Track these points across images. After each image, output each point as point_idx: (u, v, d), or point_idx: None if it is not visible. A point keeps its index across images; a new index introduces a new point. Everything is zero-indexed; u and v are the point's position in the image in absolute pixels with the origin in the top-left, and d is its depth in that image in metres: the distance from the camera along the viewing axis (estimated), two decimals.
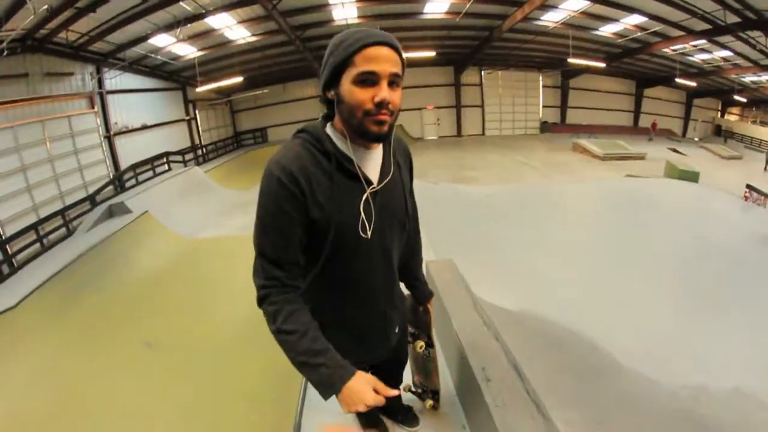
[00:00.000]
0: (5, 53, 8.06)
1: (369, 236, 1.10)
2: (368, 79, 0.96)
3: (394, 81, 0.99)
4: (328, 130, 1.09)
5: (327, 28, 13.58)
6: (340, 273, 1.15)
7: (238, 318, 5.00)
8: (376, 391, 1.00)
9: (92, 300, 5.72)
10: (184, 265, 6.99)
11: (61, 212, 8.82)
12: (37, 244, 7.87)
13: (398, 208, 1.21)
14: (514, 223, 5.75)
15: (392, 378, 1.73)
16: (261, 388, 3.81)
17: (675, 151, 17.18)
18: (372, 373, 1.06)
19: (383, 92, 0.96)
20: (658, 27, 13.30)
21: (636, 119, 23.53)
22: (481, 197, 6.61)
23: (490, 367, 1.69)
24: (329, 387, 0.98)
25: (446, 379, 2.20)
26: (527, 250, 5.23)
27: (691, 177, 9.56)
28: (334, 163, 1.05)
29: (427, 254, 4.00)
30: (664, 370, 3.39)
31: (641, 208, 6.06)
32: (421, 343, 1.70)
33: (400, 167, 1.23)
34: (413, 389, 1.98)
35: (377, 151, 1.14)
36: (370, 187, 1.10)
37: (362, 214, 1.08)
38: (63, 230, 8.61)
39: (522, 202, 6.33)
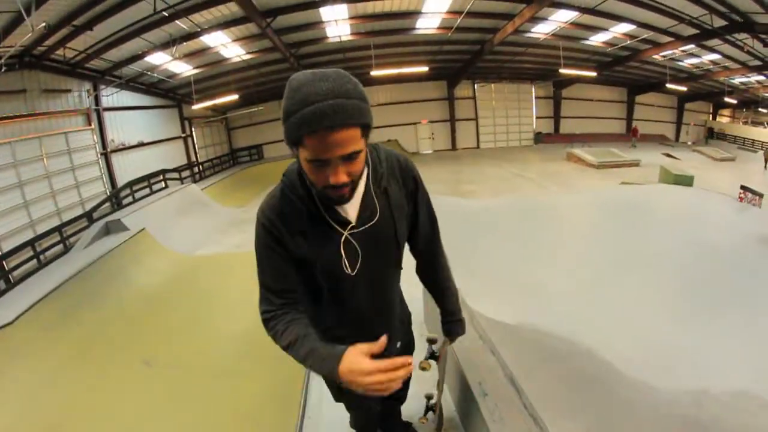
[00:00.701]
0: (3, 69, 8.10)
1: (354, 273, 1.14)
2: (320, 162, 0.92)
3: (350, 156, 0.93)
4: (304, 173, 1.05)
5: (321, 45, 13.78)
6: (334, 300, 1.21)
7: (236, 334, 5.01)
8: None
9: (90, 317, 5.69)
10: (182, 283, 6.98)
11: (57, 229, 8.82)
12: (34, 261, 7.86)
13: (386, 240, 1.19)
14: (511, 235, 5.77)
15: (397, 398, 1.76)
16: (259, 406, 3.79)
17: (669, 155, 17.33)
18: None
19: (338, 175, 0.94)
20: (647, 34, 13.54)
21: (629, 126, 23.76)
22: (478, 210, 6.64)
23: (487, 382, 1.71)
24: (331, 369, 0.96)
25: (445, 395, 2.21)
26: (524, 261, 5.23)
27: (686, 181, 9.63)
28: (305, 209, 1.08)
29: None
30: (665, 376, 3.38)
31: (637, 215, 6.11)
32: (424, 364, 1.59)
33: (388, 196, 1.17)
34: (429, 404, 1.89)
35: (357, 190, 1.08)
36: (348, 228, 1.11)
37: (342, 254, 1.12)
38: (60, 247, 8.60)
39: (519, 213, 6.36)
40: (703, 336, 3.98)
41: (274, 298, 1.13)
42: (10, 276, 7.49)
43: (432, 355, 1.45)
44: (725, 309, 4.40)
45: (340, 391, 1.45)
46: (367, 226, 1.13)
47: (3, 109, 9.19)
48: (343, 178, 0.94)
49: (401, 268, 1.36)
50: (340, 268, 1.13)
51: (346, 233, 1.11)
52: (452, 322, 1.52)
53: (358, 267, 1.14)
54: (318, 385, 2.55)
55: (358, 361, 0.94)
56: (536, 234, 5.80)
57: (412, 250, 1.42)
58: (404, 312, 1.55)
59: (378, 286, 1.26)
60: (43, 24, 7.39)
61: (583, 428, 2.52)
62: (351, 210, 1.10)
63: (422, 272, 1.48)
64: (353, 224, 1.11)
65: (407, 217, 1.27)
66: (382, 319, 1.33)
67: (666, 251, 5.36)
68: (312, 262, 1.11)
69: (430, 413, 1.84)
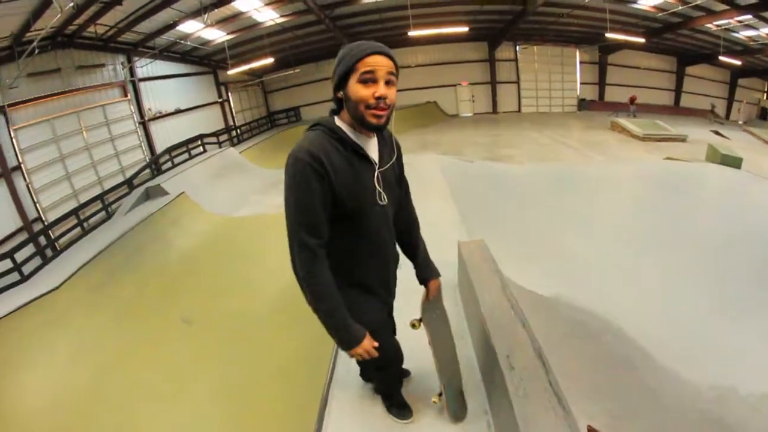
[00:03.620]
0: (36, 52, 8.36)
1: (385, 204, 1.42)
2: (369, 79, 1.23)
3: (389, 80, 1.26)
4: (338, 122, 1.34)
5: (356, 5, 13.45)
6: (362, 233, 1.41)
7: (272, 294, 5.13)
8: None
9: (132, 279, 5.95)
10: (221, 244, 7.12)
11: (100, 197, 9.18)
12: (78, 228, 8.24)
13: (394, 184, 1.53)
14: (548, 204, 5.57)
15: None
16: (291, 365, 3.90)
17: (717, 133, 16.21)
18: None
19: (381, 89, 1.24)
20: (700, 0, 12.46)
21: (677, 98, 22.28)
22: (516, 176, 6.43)
23: (514, 355, 1.66)
24: (353, 344, 1.40)
25: (472, 362, 2.19)
26: (561, 232, 5.06)
27: (734, 162, 8.97)
28: (349, 148, 1.32)
29: (460, 233, 3.96)
30: (694, 367, 3.23)
31: (681, 194, 5.76)
32: (413, 321, 1.72)
33: (391, 151, 1.52)
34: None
35: (374, 140, 1.42)
36: (378, 167, 1.41)
37: (377, 186, 1.40)
38: (102, 214, 8.97)
39: (557, 182, 6.10)
40: (739, 330, 3.76)
41: (308, 238, 1.28)
42: (56, 244, 7.93)
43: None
44: (766, 305, 4.08)
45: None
46: (387, 166, 1.45)
47: (40, 88, 9.58)
48: (386, 92, 1.24)
49: None
50: (374, 198, 1.39)
51: (377, 170, 1.40)
52: (427, 269, 1.72)
53: (387, 199, 1.43)
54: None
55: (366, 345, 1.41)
56: (575, 204, 5.57)
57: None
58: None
59: (391, 220, 1.52)
60: (71, 4, 7.49)
61: (605, 412, 2.46)
62: (373, 154, 1.41)
63: (402, 228, 1.66)
64: (379, 165, 1.41)
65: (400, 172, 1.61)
66: (393, 247, 1.57)
67: (709, 235, 5.05)
68: (347, 197, 1.30)
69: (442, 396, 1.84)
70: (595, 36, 17.65)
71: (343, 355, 2.48)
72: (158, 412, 3.78)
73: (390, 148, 1.52)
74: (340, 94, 1.31)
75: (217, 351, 4.46)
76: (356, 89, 1.24)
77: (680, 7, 13.40)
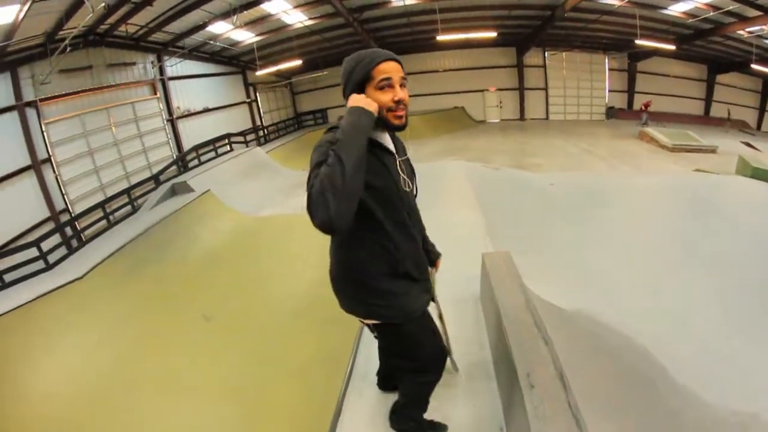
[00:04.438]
0: (68, 49, 8.64)
1: (409, 189, 1.54)
2: (386, 85, 1.33)
3: (402, 83, 1.37)
4: None
5: (384, 9, 13.47)
6: (395, 218, 1.47)
7: (293, 294, 5.14)
8: None
9: (155, 273, 6.05)
10: (244, 242, 7.18)
11: (126, 191, 9.42)
12: (104, 221, 8.47)
13: (413, 175, 1.61)
14: (575, 215, 5.47)
15: None
16: (308, 366, 3.92)
17: (749, 145, 15.65)
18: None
19: (399, 93, 1.35)
20: (732, 6, 12.07)
21: (707, 108, 21.61)
22: (543, 185, 6.31)
23: (535, 374, 1.63)
24: (367, 115, 1.31)
25: (490, 377, 2.16)
26: (587, 244, 4.94)
27: (766, 176, 8.68)
28: (376, 145, 1.42)
29: (485, 244, 3.92)
30: (717, 390, 3.12)
31: (710, 208, 5.58)
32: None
33: (404, 146, 1.65)
34: None
35: (387, 136, 1.50)
36: (400, 157, 1.53)
37: (401, 174, 1.50)
38: (128, 208, 9.20)
39: (585, 192, 5.97)
40: (766, 355, 3.60)
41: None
42: (81, 235, 8.17)
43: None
44: None
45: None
46: (404, 157, 1.57)
47: (71, 85, 9.92)
48: (403, 95, 1.35)
49: None
50: (400, 184, 1.47)
51: (399, 159, 1.51)
52: (433, 250, 1.84)
53: (411, 186, 1.55)
54: (366, 349, 2.57)
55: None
56: (601, 216, 5.45)
57: None
58: None
59: (416, 206, 1.63)
60: (103, 4, 7.72)
61: None
62: (390, 147, 1.50)
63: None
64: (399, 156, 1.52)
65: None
66: (420, 228, 1.70)
67: (738, 253, 4.86)
68: (378, 176, 1.38)
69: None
70: (624, 42, 17.28)
71: (360, 360, 2.48)
72: (171, 405, 3.84)
73: (401, 144, 1.62)
74: None
75: (234, 348, 4.50)
76: (376, 96, 1.33)
77: (711, 13, 13.00)
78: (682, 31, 15.52)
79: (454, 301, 2.84)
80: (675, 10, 13.47)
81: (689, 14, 13.57)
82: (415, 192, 1.59)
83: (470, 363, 2.31)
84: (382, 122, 1.37)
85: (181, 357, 4.46)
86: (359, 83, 1.34)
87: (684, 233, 5.13)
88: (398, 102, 1.34)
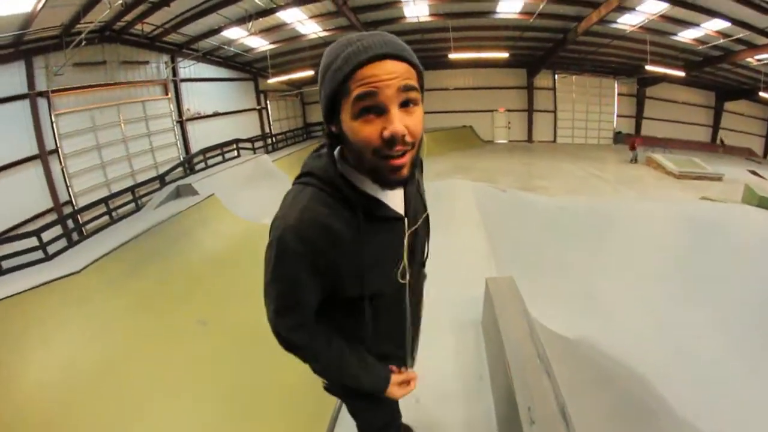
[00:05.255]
0: (84, 43, 8.76)
1: (405, 281, 1.00)
2: (371, 107, 0.74)
3: (408, 100, 0.76)
4: (341, 167, 0.89)
5: (398, 24, 13.69)
6: (373, 315, 1.00)
7: None
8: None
9: (153, 273, 6.03)
10: (244, 249, 7.11)
11: (131, 189, 9.45)
12: (107, 217, 8.48)
13: (422, 244, 1.10)
14: (580, 240, 5.44)
15: None
16: (302, 380, 3.86)
17: (755, 173, 15.65)
18: None
19: (393, 123, 0.73)
20: (742, 34, 12.20)
21: (714, 135, 21.66)
22: (549, 209, 6.30)
23: (536, 408, 1.59)
24: (384, 387, 1.08)
25: (489, 408, 2.12)
26: (591, 270, 4.91)
27: None
28: (360, 214, 0.86)
29: (489, 268, 3.90)
30: (718, 424, 3.08)
31: (715, 237, 5.54)
32: None
33: (418, 184, 1.05)
34: None
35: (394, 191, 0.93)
36: (409, 229, 0.96)
37: (405, 260, 0.97)
38: (132, 206, 9.22)
39: (589, 217, 5.95)
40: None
41: (296, 326, 0.98)
42: (83, 229, 8.18)
43: None
44: None
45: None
46: (419, 222, 1.01)
47: (84, 79, 10.04)
48: (401, 128, 0.73)
49: None
50: (395, 279, 0.97)
51: (408, 233, 0.95)
52: None
53: (410, 273, 1.01)
54: None
55: (397, 379, 1.11)
56: (605, 241, 5.43)
57: None
58: None
59: (419, 292, 1.17)
60: (120, 1, 7.84)
61: None
62: (398, 202, 0.95)
63: None
64: (410, 225, 0.97)
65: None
66: (417, 329, 1.24)
67: (744, 284, 4.82)
68: (363, 280, 0.91)
69: None
70: (634, 68, 17.44)
71: None
72: (160, 403, 3.83)
73: (418, 179, 1.04)
74: (335, 127, 0.84)
75: (229, 354, 4.47)
76: (352, 128, 0.77)
77: (721, 41, 13.12)
78: (692, 57, 15.68)
79: (455, 325, 2.80)
80: (685, 37, 13.64)
81: (699, 41, 13.74)
82: (412, 274, 1.04)
83: (468, 392, 2.27)
84: (371, 177, 0.83)
85: (174, 358, 4.44)
86: (330, 101, 0.79)
87: (689, 262, 5.09)
88: (391, 140, 0.74)
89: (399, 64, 0.75)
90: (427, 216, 1.08)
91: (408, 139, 0.76)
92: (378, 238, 0.90)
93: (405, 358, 1.20)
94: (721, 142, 20.31)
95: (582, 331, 3.54)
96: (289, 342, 1.00)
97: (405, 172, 0.80)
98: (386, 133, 0.74)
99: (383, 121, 0.74)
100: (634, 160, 16.05)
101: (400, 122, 0.74)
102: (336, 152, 0.91)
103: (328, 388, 1.22)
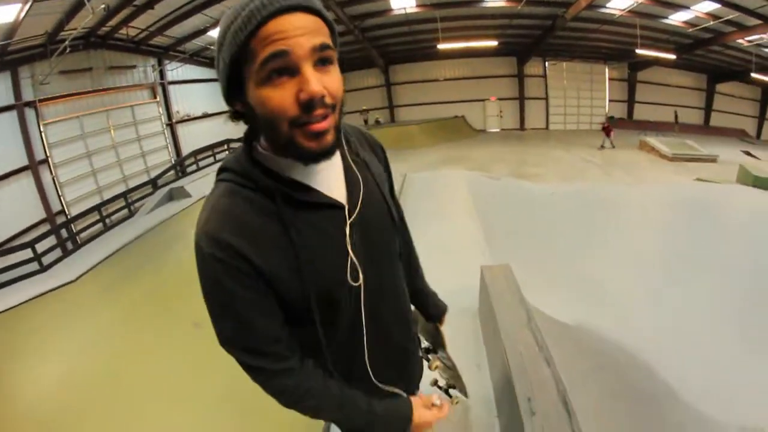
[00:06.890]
0: (68, 50, 8.65)
1: (358, 283, 0.80)
2: (281, 68, 0.62)
3: (323, 58, 0.65)
4: (260, 153, 0.77)
5: (385, 17, 13.57)
6: (343, 325, 0.84)
7: None
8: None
9: (149, 278, 6.00)
10: None
11: (123, 195, 9.36)
12: (100, 224, 8.40)
13: (384, 225, 0.88)
14: (576, 226, 5.44)
15: None
16: None
17: (749, 154, 15.68)
18: None
19: (310, 83, 0.62)
20: (732, 15, 12.19)
21: (707, 117, 21.66)
22: (543, 195, 6.29)
23: (536, 398, 1.56)
24: (405, 417, 0.91)
25: (489, 399, 2.09)
26: (588, 255, 4.91)
27: (767, 185, 8.64)
28: (280, 203, 0.73)
29: (484, 256, 3.86)
30: (721, 406, 3.05)
31: (712, 218, 5.53)
32: (437, 364, 1.32)
33: (369, 167, 0.88)
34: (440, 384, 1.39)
35: (333, 163, 0.80)
36: (351, 215, 0.79)
37: (350, 253, 0.78)
38: (125, 211, 9.13)
39: (586, 203, 5.95)
40: None
41: (255, 359, 0.80)
42: (77, 237, 8.10)
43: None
44: None
45: None
46: (363, 210, 0.81)
47: (70, 86, 9.94)
48: (320, 88, 0.63)
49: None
50: (345, 278, 0.78)
51: (350, 221, 0.78)
52: (439, 306, 1.31)
53: (366, 272, 0.81)
54: None
55: (422, 415, 0.92)
56: (602, 226, 5.43)
57: None
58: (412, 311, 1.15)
59: (393, 286, 0.93)
60: (103, 6, 7.74)
61: None
62: (336, 188, 0.79)
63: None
64: (351, 211, 0.80)
65: (390, 193, 0.97)
66: (404, 328, 1.00)
67: (741, 263, 4.81)
68: (301, 289, 0.75)
69: (454, 391, 1.33)
70: (625, 52, 17.37)
71: None
72: (158, 408, 3.83)
73: (365, 157, 0.89)
74: (239, 105, 0.73)
75: (225, 355, 4.43)
76: (262, 96, 0.65)
77: (711, 23, 13.11)
78: (682, 40, 15.63)
79: (451, 315, 2.75)
80: (675, 20, 13.60)
81: (689, 23, 13.70)
82: (368, 274, 0.82)
83: (466, 382, 2.21)
84: (282, 149, 0.73)
85: (170, 360, 4.44)
86: (231, 70, 0.66)
87: (686, 243, 5.08)
88: (310, 102, 0.63)
89: (309, 17, 0.64)
90: (391, 204, 0.91)
91: (328, 100, 0.65)
92: (313, 230, 0.75)
93: (408, 388, 1.01)
94: (675, 118, 20.27)
95: (580, 316, 3.52)
96: (259, 383, 0.84)
97: (330, 138, 0.68)
98: (303, 96, 0.63)
99: (297, 83, 0.63)
100: (603, 146, 15.61)
101: (317, 81, 0.63)
102: (261, 141, 0.79)
103: None
